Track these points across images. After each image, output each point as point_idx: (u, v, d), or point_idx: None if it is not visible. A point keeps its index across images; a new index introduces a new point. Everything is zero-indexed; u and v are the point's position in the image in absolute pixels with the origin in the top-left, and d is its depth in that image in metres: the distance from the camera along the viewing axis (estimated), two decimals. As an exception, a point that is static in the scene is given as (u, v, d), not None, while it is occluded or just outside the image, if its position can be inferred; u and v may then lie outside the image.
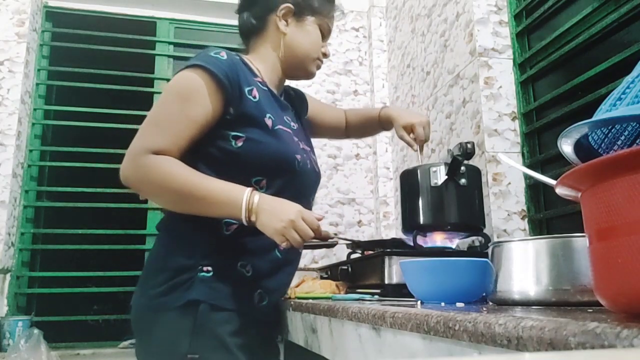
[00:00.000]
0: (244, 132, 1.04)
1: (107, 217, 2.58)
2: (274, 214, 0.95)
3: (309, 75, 1.23)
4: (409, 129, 1.34)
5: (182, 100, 1.01)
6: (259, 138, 1.05)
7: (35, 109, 2.36)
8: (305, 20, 1.20)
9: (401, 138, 1.35)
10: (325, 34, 1.23)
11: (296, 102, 1.34)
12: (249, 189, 0.97)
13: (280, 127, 1.10)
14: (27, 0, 2.29)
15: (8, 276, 2.12)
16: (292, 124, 1.19)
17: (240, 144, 1.04)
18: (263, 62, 1.18)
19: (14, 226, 2.17)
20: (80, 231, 2.24)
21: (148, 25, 2.59)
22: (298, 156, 1.10)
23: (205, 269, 1.01)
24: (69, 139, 2.43)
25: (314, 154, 1.25)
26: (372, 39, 2.60)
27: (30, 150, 2.30)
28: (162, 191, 0.98)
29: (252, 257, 1.06)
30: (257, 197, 0.96)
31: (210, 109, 1.02)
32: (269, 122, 1.07)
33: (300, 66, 1.20)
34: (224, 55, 1.06)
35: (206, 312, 0.99)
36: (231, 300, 1.01)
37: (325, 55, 1.23)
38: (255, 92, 1.08)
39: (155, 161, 0.97)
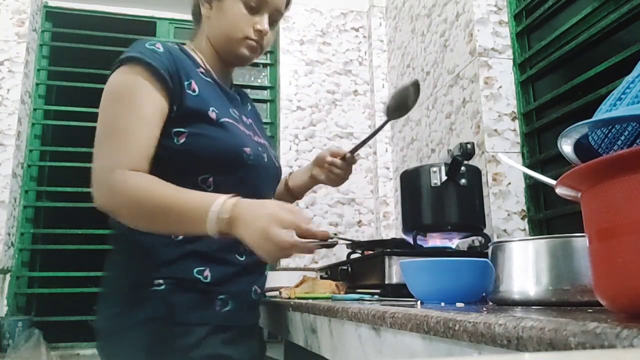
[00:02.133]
0: (185, 128, 0.95)
1: (107, 217, 2.58)
2: (249, 227, 0.81)
3: (240, 58, 1.08)
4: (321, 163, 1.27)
5: (129, 102, 0.92)
6: (202, 132, 0.96)
7: (35, 109, 2.36)
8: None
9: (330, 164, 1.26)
10: (257, 8, 1.05)
11: (247, 101, 1.23)
12: (217, 198, 0.84)
13: (226, 119, 1.01)
14: (27, 0, 2.29)
15: (8, 276, 2.12)
16: (243, 117, 1.10)
17: (182, 140, 0.95)
18: (201, 51, 1.09)
19: (14, 226, 2.17)
20: (80, 231, 2.24)
21: (148, 25, 2.59)
22: (247, 149, 1.00)
23: (157, 282, 0.93)
24: (69, 139, 2.43)
25: (273, 149, 1.17)
26: (372, 39, 2.60)
27: (30, 150, 2.30)
28: (139, 212, 0.88)
29: (209, 261, 0.96)
30: (230, 206, 0.83)
31: (160, 105, 0.94)
32: (212, 115, 0.98)
33: (227, 48, 1.06)
34: (160, 47, 0.97)
35: (162, 328, 0.91)
36: (189, 311, 0.93)
37: (259, 32, 1.05)
38: (194, 86, 0.99)
39: (124, 178, 0.87)
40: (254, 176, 1.02)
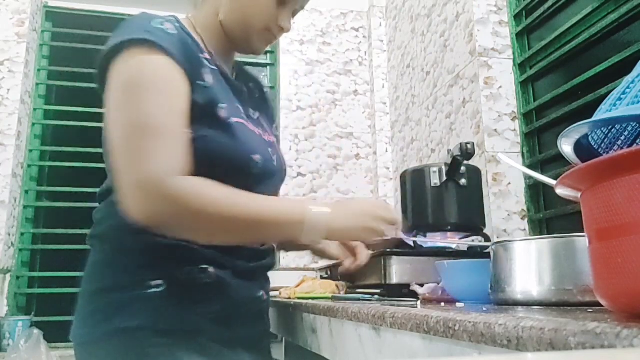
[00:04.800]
0: (190, 127, 0.82)
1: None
2: (347, 223, 0.83)
3: (252, 49, 0.96)
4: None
5: (160, 91, 0.78)
6: (208, 135, 0.83)
7: (35, 109, 2.36)
8: None
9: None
10: (286, 1, 0.92)
11: (252, 84, 1.07)
12: (305, 203, 0.83)
13: (236, 119, 0.88)
14: (27, 0, 2.29)
15: (8, 276, 2.12)
16: (250, 110, 0.98)
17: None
18: (205, 29, 0.93)
19: (14, 226, 2.17)
20: (80, 231, 2.24)
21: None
22: (256, 156, 0.89)
23: (154, 283, 0.82)
24: (69, 139, 2.43)
25: (279, 145, 1.06)
26: (372, 39, 2.60)
27: (30, 150, 2.30)
28: (209, 224, 0.78)
29: (210, 262, 0.86)
30: (318, 211, 0.82)
31: (186, 95, 0.81)
32: (221, 114, 0.85)
33: (242, 35, 0.93)
34: (171, 28, 0.83)
35: (159, 337, 0.81)
36: (188, 317, 0.83)
37: (282, 29, 0.94)
38: (206, 75, 0.86)
39: (187, 186, 0.75)
40: (258, 184, 0.91)
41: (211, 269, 0.86)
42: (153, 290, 0.81)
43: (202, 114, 0.83)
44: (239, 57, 1.04)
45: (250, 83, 1.06)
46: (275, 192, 1.02)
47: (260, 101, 1.06)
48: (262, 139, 0.96)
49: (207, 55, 0.89)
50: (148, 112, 0.76)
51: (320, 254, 1.14)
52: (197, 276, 0.85)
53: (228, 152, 0.85)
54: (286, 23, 0.94)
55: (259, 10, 0.91)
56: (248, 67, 1.12)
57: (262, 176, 0.92)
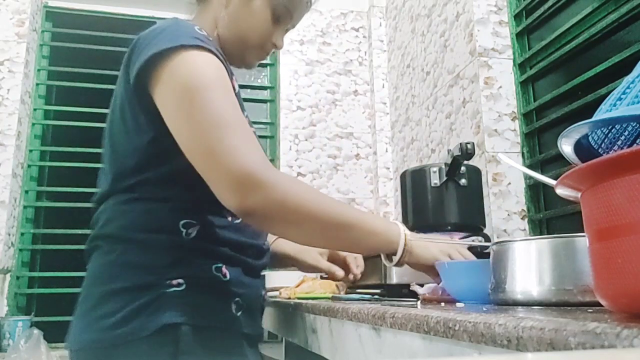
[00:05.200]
0: None
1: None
2: (425, 243, 0.86)
3: (245, 64, 0.99)
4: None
5: (224, 88, 0.79)
6: None
7: (35, 109, 2.36)
8: None
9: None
10: (282, 19, 0.95)
11: None
12: (396, 222, 0.87)
13: (253, 128, 0.90)
14: (27, 0, 2.29)
15: (8, 276, 2.13)
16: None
17: None
18: None
19: (14, 226, 2.17)
20: (80, 231, 2.24)
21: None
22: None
23: (174, 282, 0.80)
24: (69, 139, 2.43)
25: None
26: (372, 39, 2.61)
27: (30, 150, 2.30)
28: (312, 220, 0.78)
29: (224, 260, 0.87)
30: (407, 230, 0.86)
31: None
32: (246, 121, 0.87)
33: (237, 50, 0.95)
34: (205, 34, 0.85)
35: (189, 334, 0.79)
36: (212, 314, 0.83)
37: (275, 46, 0.97)
38: (234, 82, 0.86)
39: (289, 181, 0.77)
40: None
41: (225, 267, 0.86)
42: (174, 289, 0.80)
43: None
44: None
45: None
46: None
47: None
48: None
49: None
50: (220, 107, 0.76)
51: (310, 269, 1.14)
52: (214, 274, 0.84)
53: None
54: (279, 41, 0.96)
55: (255, 28, 0.93)
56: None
57: None
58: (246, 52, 0.95)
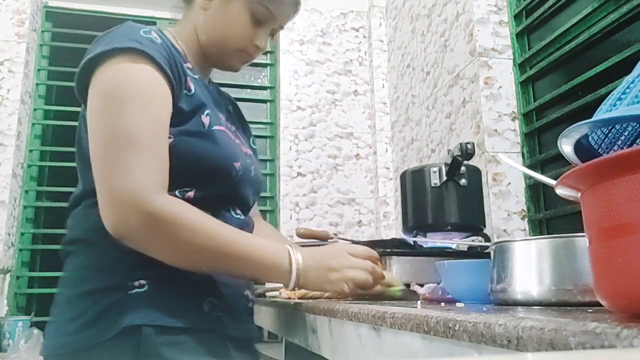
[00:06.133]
0: (172, 133, 0.81)
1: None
2: (320, 265, 0.82)
3: (227, 67, 0.98)
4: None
5: (145, 102, 0.77)
6: (191, 140, 0.83)
7: (35, 109, 2.36)
8: None
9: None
10: (263, 21, 0.93)
11: (227, 101, 1.08)
12: (287, 248, 0.82)
13: (218, 127, 0.88)
14: (27, 0, 2.29)
15: (8, 276, 2.13)
16: (229, 123, 0.97)
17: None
18: (185, 41, 0.94)
19: (14, 226, 2.17)
20: (80, 231, 2.24)
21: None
22: (237, 164, 0.88)
23: (137, 283, 0.78)
24: (69, 139, 2.42)
25: (256, 157, 1.04)
26: (372, 39, 2.61)
27: (30, 150, 2.30)
28: (190, 250, 0.77)
29: None
30: (299, 254, 0.81)
31: (170, 106, 0.81)
32: (205, 120, 0.85)
33: (218, 55, 0.95)
34: (156, 37, 0.83)
35: (151, 336, 0.77)
36: (177, 315, 0.80)
37: (258, 49, 0.95)
38: (189, 84, 0.86)
39: (171, 207, 0.74)
40: (236, 193, 0.91)
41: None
42: (137, 290, 0.79)
43: (187, 120, 0.83)
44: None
45: (226, 100, 1.07)
46: (252, 203, 1.01)
47: (235, 116, 1.08)
48: (241, 149, 0.95)
49: (189, 65, 0.90)
50: (132, 122, 0.76)
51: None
52: (180, 274, 0.81)
53: (211, 157, 0.85)
54: (262, 42, 0.94)
55: (234, 32, 0.92)
56: (222, 88, 1.12)
57: (241, 184, 0.91)
58: (227, 56, 0.95)
